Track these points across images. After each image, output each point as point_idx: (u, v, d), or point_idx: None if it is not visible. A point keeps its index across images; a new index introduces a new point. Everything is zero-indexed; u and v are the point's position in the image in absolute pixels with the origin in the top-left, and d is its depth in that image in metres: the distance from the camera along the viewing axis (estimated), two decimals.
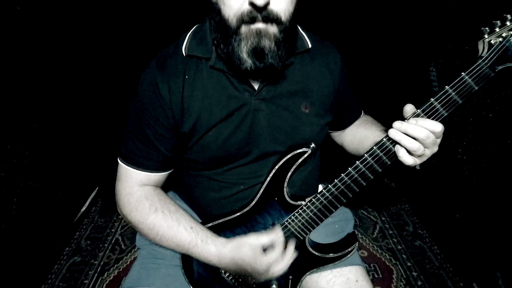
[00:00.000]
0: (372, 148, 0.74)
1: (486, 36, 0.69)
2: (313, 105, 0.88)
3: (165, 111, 0.81)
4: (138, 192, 0.86)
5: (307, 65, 0.87)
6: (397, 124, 0.69)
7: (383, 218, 2.05)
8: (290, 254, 0.82)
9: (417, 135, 0.68)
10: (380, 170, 0.75)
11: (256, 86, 0.82)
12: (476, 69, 0.68)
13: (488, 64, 0.67)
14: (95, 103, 2.05)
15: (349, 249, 0.88)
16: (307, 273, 0.89)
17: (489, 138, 1.38)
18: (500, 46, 0.67)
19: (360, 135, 1.01)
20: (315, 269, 0.89)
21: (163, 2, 1.81)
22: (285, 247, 0.83)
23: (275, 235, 0.80)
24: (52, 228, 1.77)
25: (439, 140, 0.72)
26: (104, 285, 1.63)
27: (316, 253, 0.87)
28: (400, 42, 1.94)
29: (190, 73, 0.81)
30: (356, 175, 0.75)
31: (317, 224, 0.84)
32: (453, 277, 1.62)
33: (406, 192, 2.20)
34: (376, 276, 1.66)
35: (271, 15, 0.67)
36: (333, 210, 0.81)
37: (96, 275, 1.69)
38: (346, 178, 0.76)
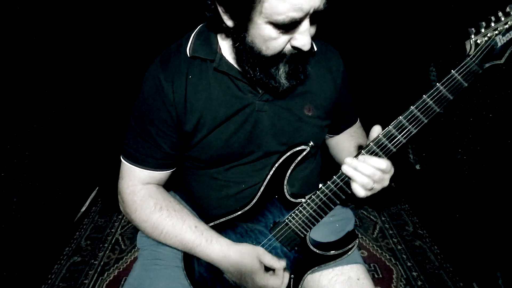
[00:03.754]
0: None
1: (472, 36, 0.72)
2: (315, 107, 0.89)
3: (168, 109, 0.81)
4: (142, 191, 0.87)
5: (311, 68, 0.87)
6: (348, 160, 0.74)
7: (383, 218, 2.05)
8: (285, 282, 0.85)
9: (365, 172, 0.72)
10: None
11: (260, 88, 0.83)
12: (465, 67, 0.71)
13: (475, 62, 0.71)
14: (95, 103, 2.05)
15: (350, 246, 0.88)
16: (308, 272, 0.89)
17: (489, 138, 1.38)
18: (485, 45, 0.71)
19: (340, 145, 1.05)
20: (316, 268, 0.89)
21: (164, 1, 1.82)
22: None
23: (280, 264, 0.83)
24: (52, 228, 1.77)
25: (388, 176, 0.77)
26: (104, 285, 1.63)
27: (317, 251, 0.87)
28: (400, 42, 1.94)
29: (194, 73, 0.81)
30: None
31: (318, 221, 0.84)
32: (453, 277, 1.62)
33: (406, 192, 2.20)
34: (376, 276, 1.66)
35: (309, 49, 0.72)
36: (333, 206, 0.81)
37: (96, 275, 1.69)
38: (344, 175, 0.77)
